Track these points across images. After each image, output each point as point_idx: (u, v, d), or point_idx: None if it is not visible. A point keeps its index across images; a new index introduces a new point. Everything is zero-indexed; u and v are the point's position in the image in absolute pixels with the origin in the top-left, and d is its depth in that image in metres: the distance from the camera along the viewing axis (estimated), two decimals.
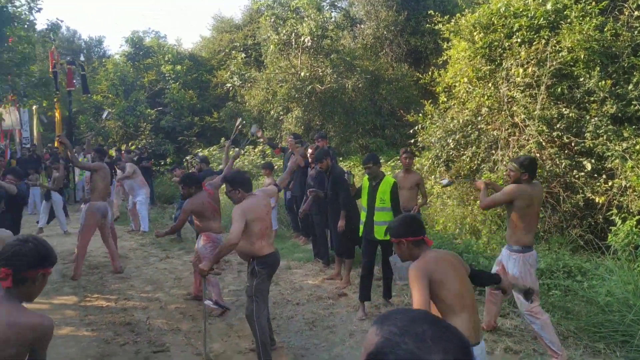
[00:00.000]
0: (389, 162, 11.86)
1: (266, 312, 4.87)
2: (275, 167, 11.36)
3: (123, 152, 14.78)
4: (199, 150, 16.61)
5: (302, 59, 15.29)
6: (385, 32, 16.95)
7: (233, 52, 20.08)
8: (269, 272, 4.86)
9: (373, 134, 15.83)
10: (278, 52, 15.95)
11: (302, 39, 14.59)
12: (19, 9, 10.27)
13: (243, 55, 19.43)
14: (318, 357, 5.10)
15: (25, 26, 12.97)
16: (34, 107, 18.61)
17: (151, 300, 6.89)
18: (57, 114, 18.22)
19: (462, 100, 9.12)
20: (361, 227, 6.34)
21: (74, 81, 16.26)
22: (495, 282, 3.47)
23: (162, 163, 17.64)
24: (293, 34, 14.90)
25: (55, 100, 17.53)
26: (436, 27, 10.00)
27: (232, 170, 5.37)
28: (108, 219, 8.13)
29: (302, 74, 15.00)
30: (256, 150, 15.49)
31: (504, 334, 5.29)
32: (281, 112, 15.70)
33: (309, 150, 8.59)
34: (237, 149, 9.09)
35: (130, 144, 18.99)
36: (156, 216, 13.23)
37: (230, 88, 18.33)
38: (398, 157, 11.80)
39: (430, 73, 10.28)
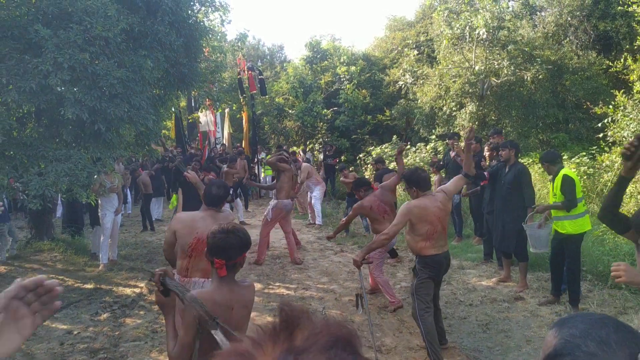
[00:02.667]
0: (574, 159, 10.97)
1: (432, 311, 4.85)
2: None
3: (299, 153, 15.69)
4: (372, 149, 16.96)
5: (476, 53, 14.79)
6: (569, 18, 15.66)
7: (405, 49, 20.10)
8: (431, 274, 4.82)
9: (555, 129, 14.75)
10: (451, 46, 15.61)
11: (477, 31, 14.10)
12: (212, 22, 11.43)
13: (415, 52, 19.36)
14: None
15: (218, 37, 14.39)
16: (226, 110, 20.55)
17: (327, 292, 7.25)
18: (244, 116, 19.96)
19: None
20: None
21: (255, 84, 17.61)
22: None
23: (337, 161, 18.33)
24: (467, 27, 14.47)
25: (243, 103, 19.17)
26: (630, 9, 9.02)
27: (410, 168, 5.39)
28: (290, 215, 8.78)
29: (477, 67, 14.50)
30: (428, 147, 15.36)
31: None
32: (454, 108, 15.37)
33: (485, 147, 8.34)
34: (400, 143, 9.19)
35: (308, 143, 20.05)
36: (331, 211, 13.80)
37: (402, 86, 18.40)
38: (584, 153, 10.91)
39: (622, 60, 9.32)
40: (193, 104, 25.01)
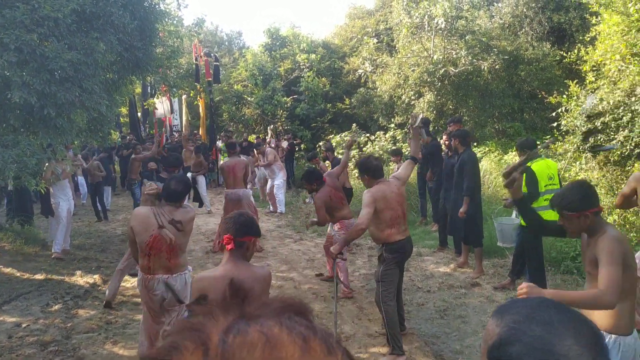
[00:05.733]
0: None
1: (394, 298, 4.88)
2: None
3: (269, 140, 15.56)
4: (331, 137, 16.94)
5: (435, 42, 14.91)
6: (525, 10, 15.95)
7: (365, 38, 20.12)
8: (397, 259, 4.86)
9: (510, 118, 15.05)
10: (410, 35, 15.69)
11: (436, 20, 14.20)
12: (169, 6, 11.14)
13: (375, 40, 19.39)
14: (449, 346, 5.01)
15: (174, 22, 14.03)
16: (183, 96, 20.14)
17: (286, 280, 7.21)
18: (200, 103, 19.60)
19: (613, 79, 8.35)
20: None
21: (211, 71, 17.29)
22: None
23: (297, 149, 18.24)
24: (426, 16, 14.55)
25: (200, 90, 18.81)
26: (583, 1, 9.23)
27: (363, 157, 5.42)
28: (245, 204, 8.61)
29: (435, 57, 14.62)
30: (387, 135, 15.45)
31: None
32: (412, 97, 15.47)
33: (444, 137, 8.42)
34: (352, 134, 9.24)
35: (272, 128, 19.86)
36: (291, 200, 13.74)
37: (362, 74, 18.42)
38: (539, 142, 11.16)
39: (575, 51, 9.53)
40: (149, 90, 24.43)
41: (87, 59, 7.22)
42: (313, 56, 20.66)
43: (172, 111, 20.44)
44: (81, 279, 7.27)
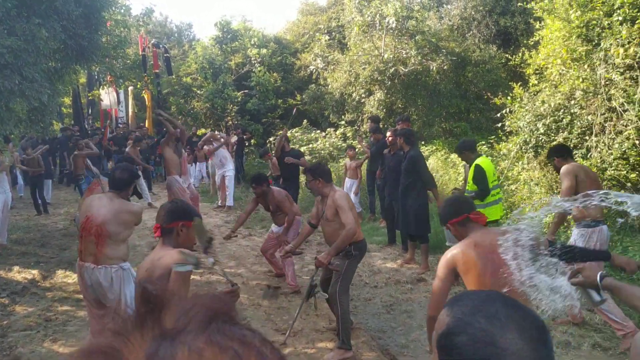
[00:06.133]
0: None
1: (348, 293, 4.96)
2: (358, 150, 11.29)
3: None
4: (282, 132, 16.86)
5: (386, 41, 15.08)
6: (473, 13, 16.35)
7: (317, 34, 20.14)
8: (360, 257, 5.00)
9: (457, 118, 15.41)
10: (362, 34, 15.81)
11: (387, 20, 14.36)
12: None
13: (327, 37, 19.44)
14: (395, 340, 5.09)
15: (122, 10, 13.66)
16: (130, 88, 19.64)
17: (234, 276, 7.13)
18: (146, 95, 19.14)
19: (555, 82, 8.66)
20: None
21: (160, 63, 16.91)
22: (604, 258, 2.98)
23: (247, 144, 18.09)
24: (377, 15, 14.71)
25: (148, 81, 18.39)
26: (528, 6, 9.53)
27: (314, 162, 5.58)
28: (176, 190, 8.49)
29: (386, 55, 14.79)
30: (337, 132, 15.55)
31: (593, 329, 5.04)
32: (363, 95, 15.61)
33: (388, 133, 8.52)
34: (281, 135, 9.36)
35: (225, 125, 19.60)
36: (240, 195, 13.61)
37: (314, 71, 18.43)
38: (484, 142, 11.48)
39: (520, 54, 9.84)
40: (95, 80, 23.66)
41: (27, 46, 6.93)
42: (264, 51, 20.52)
43: (118, 102, 19.89)
44: (19, 275, 6.98)
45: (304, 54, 20.57)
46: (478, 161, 6.17)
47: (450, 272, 2.87)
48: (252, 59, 20.61)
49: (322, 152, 14.51)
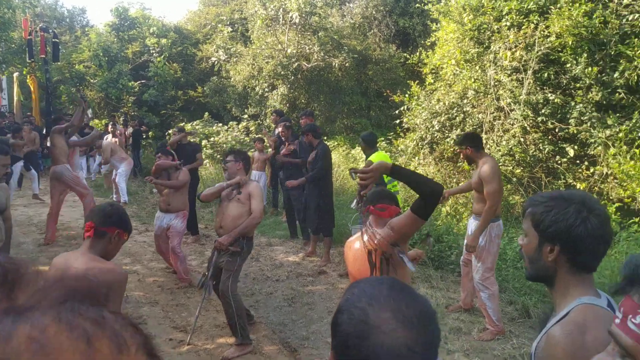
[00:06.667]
0: None
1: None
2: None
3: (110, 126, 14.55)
4: (182, 125, 16.41)
5: (289, 36, 15.09)
6: (374, 12, 16.79)
7: (219, 25, 19.77)
8: (248, 254, 4.98)
9: (358, 114, 15.76)
10: (265, 27, 15.71)
11: (290, 15, 14.37)
12: None
13: (229, 29, 19.13)
14: (296, 332, 5.09)
15: None
16: (15, 74, 18.20)
17: (129, 273, 6.82)
18: (30, 82, 17.78)
19: (449, 82, 9.08)
20: None
21: (47, 48, 15.77)
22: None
23: (144, 137, 17.39)
24: (281, 9, 14.68)
25: (35, 68, 17.12)
26: (425, 8, 9.92)
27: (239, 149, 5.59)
28: (67, 179, 8.07)
29: (289, 50, 14.81)
30: (240, 126, 15.37)
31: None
32: (266, 89, 15.53)
33: (280, 128, 8.55)
34: (177, 132, 9.18)
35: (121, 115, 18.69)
36: (137, 189, 13.08)
37: (215, 62, 18.06)
38: (383, 138, 11.83)
39: (417, 54, 10.23)
40: None
41: None
42: (164, 41, 19.83)
43: (0, 89, 18.36)
44: None
45: (205, 45, 20.11)
46: (372, 157, 6.24)
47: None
48: (151, 48, 19.85)
49: (225, 145, 14.26)
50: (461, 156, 5.16)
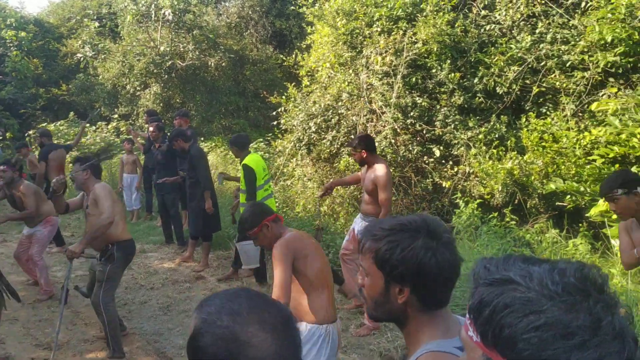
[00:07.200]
0: (252, 144, 11.75)
1: (114, 299, 4.65)
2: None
3: None
4: (44, 125, 15.21)
5: (162, 33, 14.56)
6: (250, 12, 16.71)
7: (85, 20, 18.61)
8: (126, 259, 4.70)
9: (236, 115, 15.60)
10: (136, 23, 15.02)
11: (163, 11, 13.87)
12: None
13: (96, 24, 18.09)
14: (172, 342, 4.92)
15: None
16: None
17: None
18: None
19: (324, 85, 9.26)
20: None
21: None
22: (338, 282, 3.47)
23: (1, 138, 15.88)
24: (153, 5, 14.10)
25: None
26: (301, 10, 10.05)
27: (87, 154, 5.09)
28: None
29: (162, 48, 14.29)
30: (109, 127, 14.59)
31: (358, 311, 5.48)
32: (138, 88, 14.87)
33: (151, 129, 8.26)
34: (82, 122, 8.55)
35: None
36: None
37: (82, 59, 16.95)
38: (261, 139, 11.80)
39: (294, 56, 10.32)
40: None
41: None
42: (23, 34, 18.27)
43: None
44: None
45: (70, 40, 18.83)
46: (246, 160, 6.03)
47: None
48: (8, 41, 18.19)
49: (93, 147, 13.42)
50: (354, 158, 5.14)
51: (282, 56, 12.52)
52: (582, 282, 0.77)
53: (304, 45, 10.72)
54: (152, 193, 9.89)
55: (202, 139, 13.61)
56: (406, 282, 1.32)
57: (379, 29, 8.43)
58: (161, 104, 14.51)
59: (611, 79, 6.94)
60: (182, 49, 14.47)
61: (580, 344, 0.72)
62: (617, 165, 6.17)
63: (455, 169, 7.70)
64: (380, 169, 4.85)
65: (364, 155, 4.91)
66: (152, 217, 9.88)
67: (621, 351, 0.72)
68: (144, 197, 10.16)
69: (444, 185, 7.71)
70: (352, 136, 8.51)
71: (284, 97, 10.03)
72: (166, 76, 14.38)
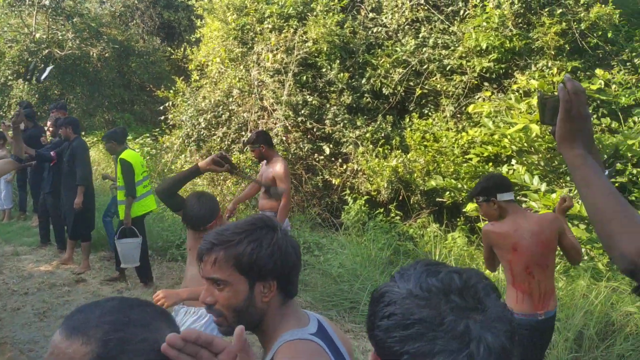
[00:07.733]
0: (138, 140, 11.28)
1: None
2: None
3: None
4: None
5: (37, 19, 13.54)
6: (136, 2, 16.02)
7: None
8: None
9: (121, 109, 14.91)
10: (7, 7, 13.85)
11: None
12: None
13: None
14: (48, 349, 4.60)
15: None
16: None
17: None
18: None
19: (215, 80, 9.11)
20: None
21: None
22: None
23: None
24: None
25: None
26: (190, 3, 9.80)
27: None
28: None
29: (38, 35, 13.30)
30: None
31: None
32: (10, 77, 13.72)
33: (48, 123, 7.70)
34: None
35: None
36: None
37: None
38: (148, 135, 11.37)
39: (182, 49, 10.05)
40: None
41: None
42: None
43: None
44: None
45: None
46: (124, 155, 5.84)
47: None
48: None
49: None
50: (254, 154, 5.22)
51: (170, 49, 12.12)
52: (447, 286, 0.84)
53: (194, 39, 10.45)
54: (25, 191, 9.19)
55: (84, 133, 12.85)
56: (273, 277, 1.34)
57: (270, 26, 8.43)
58: (36, 95, 13.50)
59: (486, 83, 7.47)
60: (60, 37, 13.55)
61: (416, 335, 0.79)
62: (490, 164, 6.66)
63: (345, 167, 7.90)
64: (278, 162, 4.98)
65: (264, 150, 5.02)
66: (27, 217, 9.17)
67: (458, 351, 0.77)
68: (16, 195, 9.40)
69: (333, 182, 7.88)
70: (243, 133, 8.46)
71: (171, 91, 9.74)
72: (42, 65, 13.39)
